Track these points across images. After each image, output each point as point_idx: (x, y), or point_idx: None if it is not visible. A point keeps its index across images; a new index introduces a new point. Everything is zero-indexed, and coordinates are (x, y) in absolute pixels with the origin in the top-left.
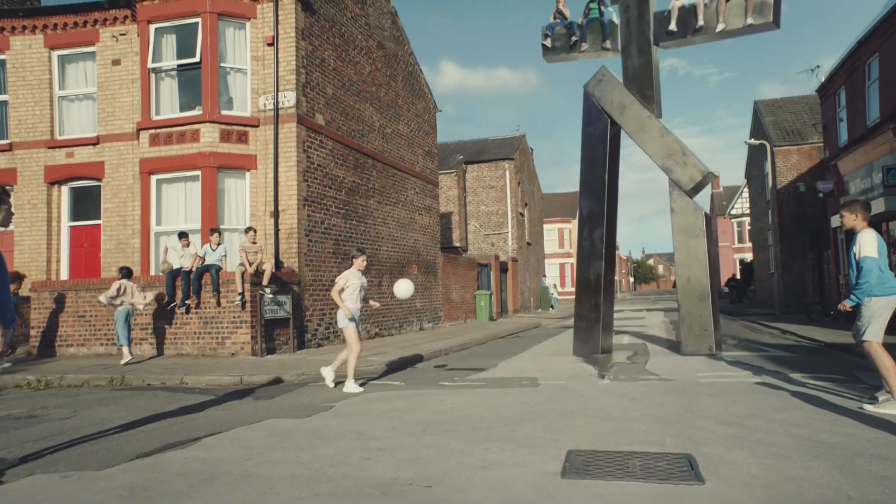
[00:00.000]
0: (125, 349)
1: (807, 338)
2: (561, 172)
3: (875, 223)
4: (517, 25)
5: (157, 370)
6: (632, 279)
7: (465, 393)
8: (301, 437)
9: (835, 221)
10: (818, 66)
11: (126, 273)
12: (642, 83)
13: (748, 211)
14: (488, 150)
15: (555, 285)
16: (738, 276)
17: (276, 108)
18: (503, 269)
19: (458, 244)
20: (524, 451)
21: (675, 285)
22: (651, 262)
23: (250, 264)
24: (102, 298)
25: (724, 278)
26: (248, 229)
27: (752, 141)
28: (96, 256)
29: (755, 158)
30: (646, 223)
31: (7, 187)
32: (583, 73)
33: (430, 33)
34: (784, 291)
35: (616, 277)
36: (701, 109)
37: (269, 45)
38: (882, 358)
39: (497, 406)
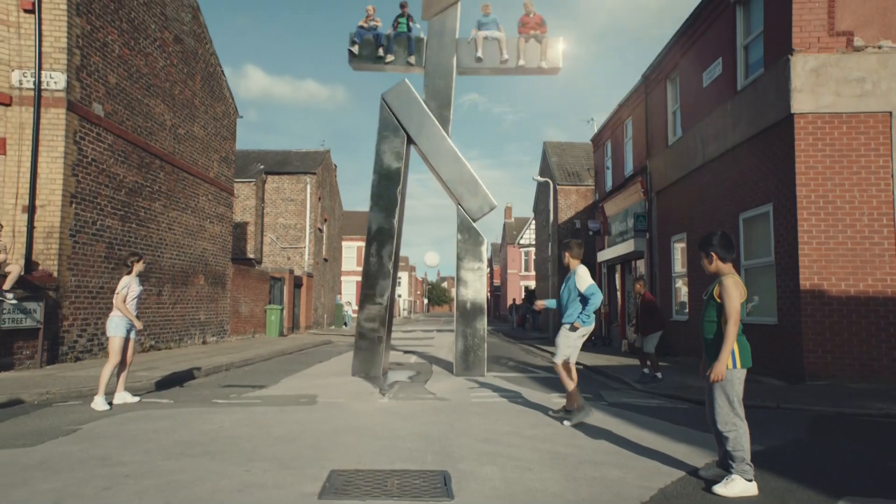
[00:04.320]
0: None
1: None
2: (363, 190)
3: (626, 261)
4: (328, 39)
5: None
6: (426, 300)
7: (237, 411)
8: (21, 470)
9: (601, 256)
10: (593, 119)
11: None
12: (441, 104)
13: (534, 242)
14: (291, 162)
15: (349, 303)
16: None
17: (38, 89)
18: (297, 283)
19: (251, 256)
20: (286, 472)
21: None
22: (445, 284)
23: None
24: None
25: (507, 302)
26: None
27: (539, 178)
28: None
29: (542, 194)
30: (442, 246)
31: None
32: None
33: (235, 34)
34: (559, 318)
35: (411, 298)
36: (495, 144)
37: (27, 10)
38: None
39: (269, 425)
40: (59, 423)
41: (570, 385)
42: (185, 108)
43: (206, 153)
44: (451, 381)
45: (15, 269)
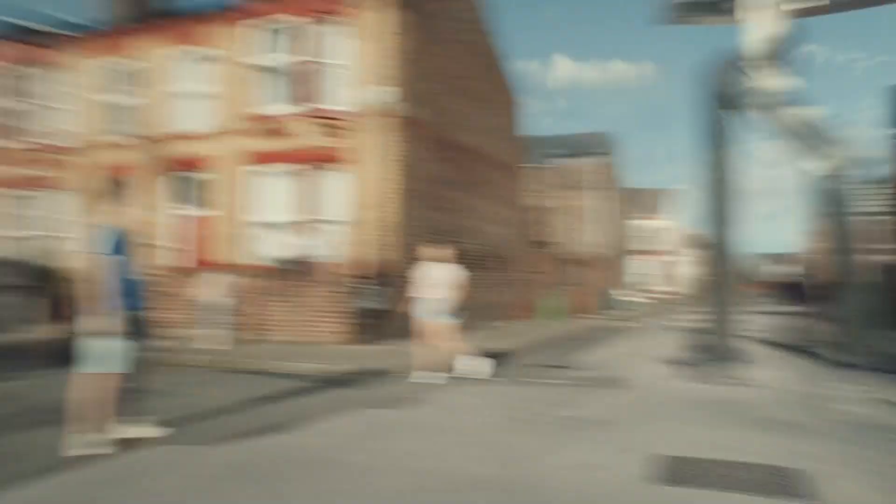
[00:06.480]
0: (221, 335)
1: None
2: (652, 168)
3: None
4: (633, 16)
5: (263, 355)
6: None
7: (556, 390)
8: (389, 428)
9: None
10: None
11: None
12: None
13: None
14: (581, 145)
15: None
16: None
17: (378, 105)
18: (583, 266)
19: (543, 239)
20: (615, 453)
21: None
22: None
23: (349, 256)
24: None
25: None
26: (347, 222)
27: None
28: (204, 245)
29: None
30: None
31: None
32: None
33: (541, 28)
34: None
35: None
36: (844, 99)
37: (368, 42)
38: None
39: (580, 405)
40: (408, 392)
41: None
42: (480, 101)
43: (502, 142)
44: (781, 370)
45: (369, 260)
